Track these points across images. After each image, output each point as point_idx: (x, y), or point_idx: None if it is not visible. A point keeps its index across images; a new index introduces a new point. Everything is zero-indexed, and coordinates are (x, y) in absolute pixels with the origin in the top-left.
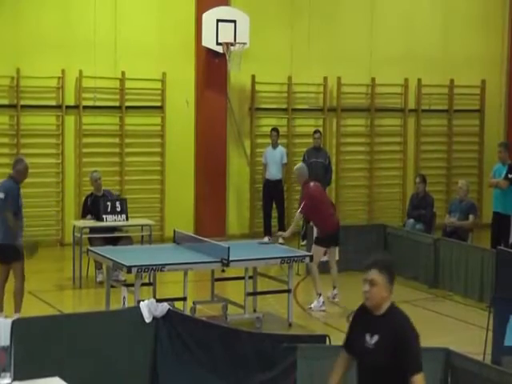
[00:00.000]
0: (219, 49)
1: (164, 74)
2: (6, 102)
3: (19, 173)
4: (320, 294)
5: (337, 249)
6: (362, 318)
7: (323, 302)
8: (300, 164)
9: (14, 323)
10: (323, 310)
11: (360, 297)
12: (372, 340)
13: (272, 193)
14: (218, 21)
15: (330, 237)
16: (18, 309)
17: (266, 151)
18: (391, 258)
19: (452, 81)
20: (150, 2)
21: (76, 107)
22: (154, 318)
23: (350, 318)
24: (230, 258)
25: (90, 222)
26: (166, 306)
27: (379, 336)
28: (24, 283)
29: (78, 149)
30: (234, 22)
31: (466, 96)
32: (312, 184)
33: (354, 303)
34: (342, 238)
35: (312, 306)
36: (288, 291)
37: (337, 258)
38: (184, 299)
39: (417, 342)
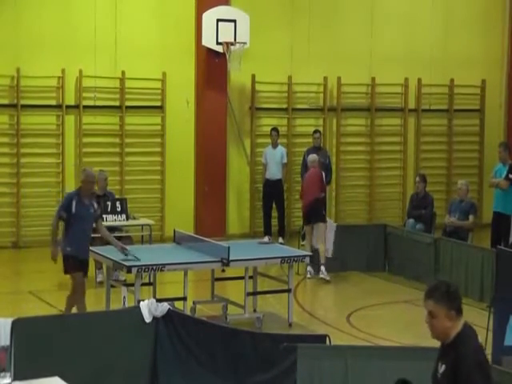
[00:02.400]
0: (219, 48)
1: (164, 73)
2: (6, 101)
3: (82, 183)
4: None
5: (318, 226)
6: (440, 346)
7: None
8: (313, 155)
9: (13, 323)
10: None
11: (359, 296)
12: (441, 369)
13: (272, 193)
14: (218, 20)
15: (304, 216)
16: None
17: (266, 151)
18: (450, 282)
19: (452, 80)
20: (150, 2)
21: (76, 107)
22: (154, 318)
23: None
24: (230, 258)
25: None
26: (166, 305)
27: (445, 366)
28: (75, 297)
29: (78, 148)
30: (234, 21)
31: (466, 96)
32: (312, 169)
33: (354, 303)
34: (342, 237)
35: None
36: (288, 291)
37: (330, 253)
38: (184, 299)
39: (478, 376)
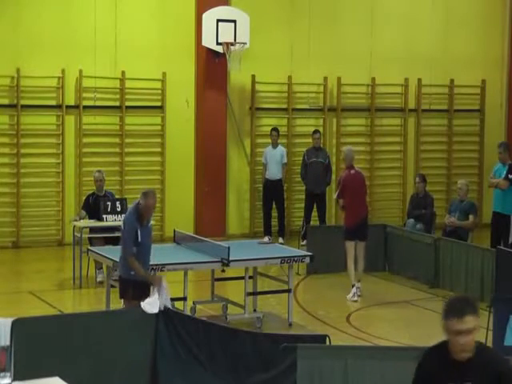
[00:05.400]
0: (219, 49)
1: (164, 73)
2: (6, 101)
3: (142, 207)
4: (353, 286)
5: (362, 244)
6: (439, 367)
7: (354, 293)
8: (347, 147)
9: (13, 323)
10: (354, 301)
11: (360, 296)
12: None
13: (272, 193)
14: (218, 21)
15: (349, 231)
16: None
17: (266, 151)
18: (466, 295)
19: (452, 81)
20: (150, 2)
21: (76, 107)
22: (155, 319)
23: None
24: (230, 258)
25: (90, 222)
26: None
27: (472, 383)
28: None
29: (78, 149)
30: (234, 21)
31: (466, 96)
32: (347, 171)
33: (354, 303)
34: (341, 238)
35: (347, 296)
36: (288, 291)
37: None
38: (184, 299)
39: None
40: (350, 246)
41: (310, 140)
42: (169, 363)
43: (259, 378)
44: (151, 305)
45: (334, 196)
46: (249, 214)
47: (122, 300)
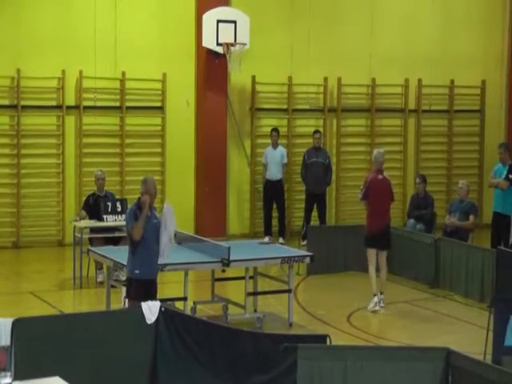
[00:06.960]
0: (219, 49)
1: (164, 74)
2: (6, 102)
3: (143, 195)
4: (375, 295)
5: (384, 253)
6: None
7: (375, 303)
8: (377, 150)
9: (14, 323)
10: (375, 311)
11: (359, 296)
12: None
13: (272, 193)
14: (218, 21)
15: (369, 238)
16: None
17: (267, 151)
18: None
19: (452, 81)
20: (150, 3)
21: (76, 107)
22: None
23: None
24: (231, 258)
25: (90, 222)
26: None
27: None
28: None
29: (79, 149)
30: (234, 22)
31: (466, 96)
32: (375, 174)
33: (354, 303)
34: (342, 237)
35: (368, 306)
36: (288, 291)
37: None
38: (184, 299)
39: None
40: (371, 252)
41: (310, 140)
42: (169, 363)
43: (259, 378)
44: (151, 310)
45: (359, 196)
46: (249, 214)
47: (127, 299)
